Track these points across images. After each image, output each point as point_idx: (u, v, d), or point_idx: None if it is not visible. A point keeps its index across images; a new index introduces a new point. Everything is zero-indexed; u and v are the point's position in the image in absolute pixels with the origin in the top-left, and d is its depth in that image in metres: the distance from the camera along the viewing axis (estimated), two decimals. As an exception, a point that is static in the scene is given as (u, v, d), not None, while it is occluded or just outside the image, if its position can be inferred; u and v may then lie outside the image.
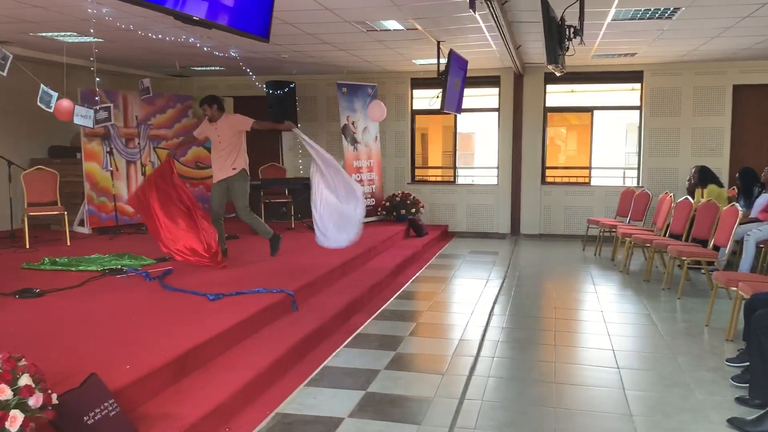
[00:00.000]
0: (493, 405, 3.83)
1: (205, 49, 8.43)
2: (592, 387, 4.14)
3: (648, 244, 7.54)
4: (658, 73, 10.39)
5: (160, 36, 7.47)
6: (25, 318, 4.56)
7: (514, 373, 4.38)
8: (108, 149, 9.18)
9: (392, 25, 7.10)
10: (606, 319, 5.79)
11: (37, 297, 5.15)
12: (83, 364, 3.54)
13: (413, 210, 10.51)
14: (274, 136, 11.68)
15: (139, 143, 9.61)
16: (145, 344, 3.96)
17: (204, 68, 10.63)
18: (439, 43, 8.16)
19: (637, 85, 10.63)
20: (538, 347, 4.96)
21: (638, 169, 10.71)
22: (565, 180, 11.15)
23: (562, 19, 5.59)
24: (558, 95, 11.08)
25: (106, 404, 2.98)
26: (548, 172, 11.10)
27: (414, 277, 7.59)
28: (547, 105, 10.90)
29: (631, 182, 10.93)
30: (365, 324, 5.54)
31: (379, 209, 10.82)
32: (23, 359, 2.75)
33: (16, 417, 2.41)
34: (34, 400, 2.55)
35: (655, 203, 9.87)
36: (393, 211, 10.57)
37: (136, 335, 4.16)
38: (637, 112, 10.68)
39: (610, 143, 13.01)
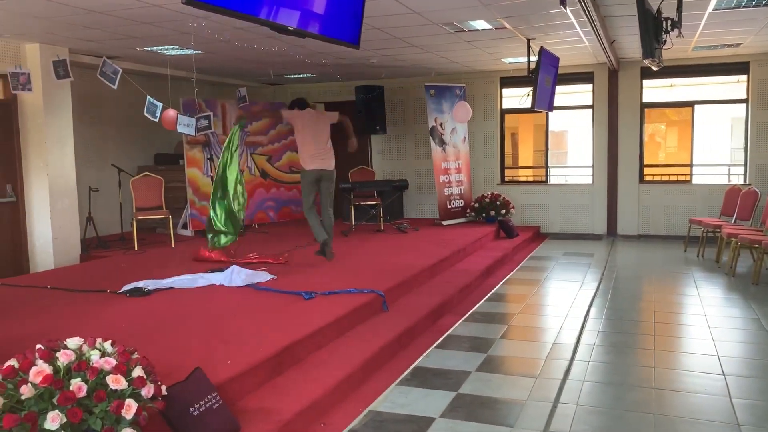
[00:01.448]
0: (589, 409, 3.72)
1: (297, 57, 8.69)
2: (695, 394, 3.94)
3: (756, 245, 7.11)
4: (766, 63, 9.73)
5: (254, 46, 7.77)
6: (135, 315, 4.87)
7: (611, 377, 4.24)
8: (208, 156, 9.62)
9: (480, 24, 7.05)
10: (710, 323, 5.49)
11: (146, 296, 5.48)
12: (188, 359, 3.74)
13: (503, 211, 10.38)
14: (364, 139, 11.86)
15: (237, 150, 9.97)
16: (244, 341, 4.12)
17: (296, 75, 10.96)
18: (529, 40, 8.02)
19: (743, 77, 10.01)
20: (636, 352, 4.78)
21: (745, 165, 10.08)
22: (665, 178, 10.67)
23: (659, 11, 5.36)
24: (656, 90, 10.62)
25: (209, 397, 3.13)
26: (646, 170, 10.66)
27: (505, 279, 7.52)
28: (645, 101, 10.47)
29: (737, 179, 10.30)
30: (455, 325, 5.53)
31: (468, 210, 10.76)
32: (136, 352, 2.95)
33: (131, 406, 2.59)
34: (146, 391, 2.72)
35: (763, 202, 9.26)
36: (482, 212, 10.49)
37: (236, 333, 4.33)
38: (743, 105, 10.06)
39: (713, 139, 12.31)
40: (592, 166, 10.87)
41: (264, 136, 10.58)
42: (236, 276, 5.95)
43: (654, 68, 5.84)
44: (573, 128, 16.22)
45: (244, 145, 10.22)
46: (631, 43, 8.51)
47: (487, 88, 11.24)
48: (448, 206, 10.64)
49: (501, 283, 7.34)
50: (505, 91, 11.36)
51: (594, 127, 10.76)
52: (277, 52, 8.20)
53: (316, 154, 6.67)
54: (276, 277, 6.20)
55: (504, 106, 11.38)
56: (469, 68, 10.66)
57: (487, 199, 10.52)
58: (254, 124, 10.40)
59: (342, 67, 9.86)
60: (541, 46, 8.08)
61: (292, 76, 11.10)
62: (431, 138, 10.42)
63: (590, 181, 10.93)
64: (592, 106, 10.77)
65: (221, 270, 6.30)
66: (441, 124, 10.53)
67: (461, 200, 10.83)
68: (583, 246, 10.03)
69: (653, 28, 5.15)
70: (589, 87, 10.78)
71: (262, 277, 6.12)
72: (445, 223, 10.42)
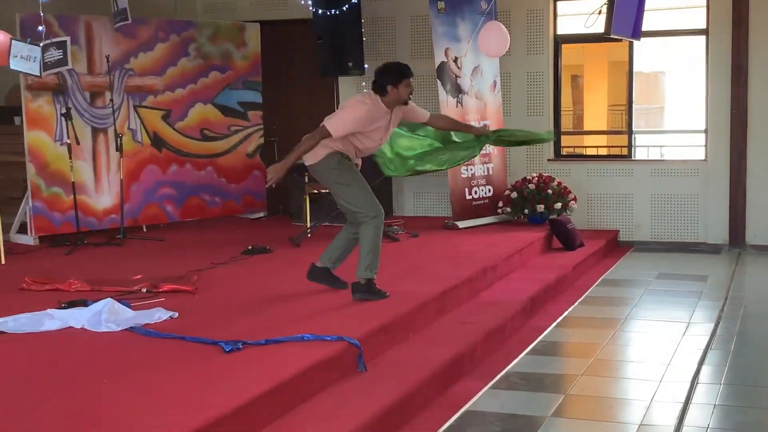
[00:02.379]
0: None
1: None
2: None
3: None
4: None
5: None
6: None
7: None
8: (63, 110, 9.51)
9: None
10: None
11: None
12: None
13: (558, 205, 10.40)
14: (328, 83, 11.80)
15: (112, 100, 9.92)
16: (124, 427, 4.09)
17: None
18: None
19: None
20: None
21: None
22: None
23: None
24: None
25: None
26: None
27: (560, 318, 7.54)
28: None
29: None
30: (478, 395, 5.53)
31: (500, 204, 10.75)
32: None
33: None
34: None
35: None
36: (523, 208, 10.51)
37: (110, 412, 4.30)
38: None
39: None
40: (706, 132, 10.89)
41: (158, 77, 10.51)
42: (110, 313, 5.87)
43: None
44: (674, 69, 16.32)
45: (124, 93, 10.15)
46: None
47: (533, 0, 11.25)
48: (468, 197, 10.64)
49: (554, 324, 7.34)
50: (561, 4, 11.34)
51: (709, 68, 10.78)
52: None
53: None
54: (177, 314, 6.18)
55: (560, 31, 11.37)
56: (503, -34, 10.64)
57: (531, 186, 10.53)
58: (141, 57, 10.33)
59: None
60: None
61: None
62: (439, 83, 10.39)
63: (702, 156, 10.96)
64: (706, 31, 10.80)
65: (85, 304, 6.23)
66: (456, 60, 10.51)
67: (489, 187, 10.81)
68: (689, 263, 10.02)
69: None
70: (702, 1, 10.80)
71: (155, 315, 6.08)
72: (462, 224, 10.42)
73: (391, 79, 6.68)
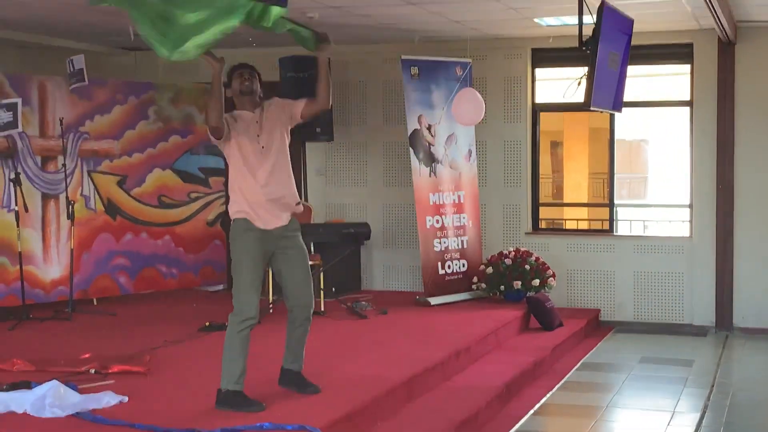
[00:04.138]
0: None
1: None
2: None
3: None
4: None
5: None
6: None
7: None
8: (12, 175, 9.47)
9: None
10: None
11: None
12: None
13: (536, 282, 10.41)
14: (294, 149, 11.81)
15: (64, 165, 9.86)
16: None
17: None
18: (582, -11, 8.17)
19: None
20: None
21: None
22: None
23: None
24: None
25: None
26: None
27: (538, 406, 7.50)
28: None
29: None
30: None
31: (475, 280, 10.76)
32: None
33: None
34: None
35: None
36: (499, 284, 10.51)
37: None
38: None
39: None
40: (691, 207, 10.98)
41: (115, 140, 10.49)
42: (55, 398, 5.78)
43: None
44: (657, 137, 16.51)
45: (78, 157, 10.11)
46: (757, -2, 8.75)
47: (510, 67, 11.36)
48: (441, 272, 10.62)
49: (531, 412, 7.29)
50: (540, 72, 11.47)
51: (694, 140, 10.91)
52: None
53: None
54: (127, 398, 6.11)
55: (538, 99, 11.50)
56: (479, 33, 10.75)
57: (508, 261, 10.54)
58: (98, 119, 10.32)
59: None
60: (603, 1, 8.20)
61: (169, 37, 11.07)
62: (412, 151, 10.44)
63: (687, 233, 11.03)
64: (690, 102, 10.95)
65: (29, 386, 6.14)
66: (430, 128, 10.58)
67: (463, 261, 10.81)
68: (674, 347, 10.03)
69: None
70: (686, 69, 10.97)
71: (103, 399, 5.99)
72: (434, 301, 10.39)
73: (234, 70, 6.51)
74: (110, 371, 6.85)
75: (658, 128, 15.54)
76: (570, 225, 12.71)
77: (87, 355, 7.27)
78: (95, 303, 10.26)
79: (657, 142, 17.01)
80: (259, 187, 6.10)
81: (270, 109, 6.38)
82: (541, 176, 11.87)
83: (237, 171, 6.20)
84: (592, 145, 15.76)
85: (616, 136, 11.46)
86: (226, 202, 10.95)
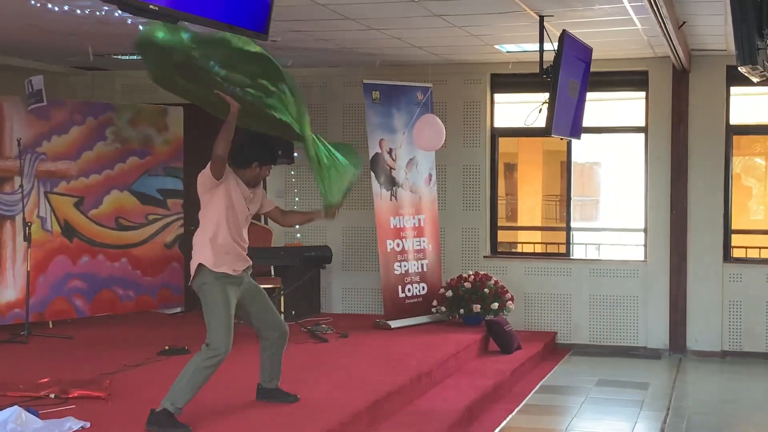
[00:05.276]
0: None
1: (140, 27, 8.65)
2: None
3: None
4: None
5: (66, 8, 7.69)
6: None
7: None
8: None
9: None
10: None
11: None
12: None
13: (495, 305, 10.46)
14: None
15: (21, 186, 9.78)
16: None
17: (132, 57, 10.87)
18: (542, 18, 8.25)
19: None
20: None
21: None
22: (769, 254, 11.05)
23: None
24: (754, 103, 11.04)
25: None
26: (736, 240, 11.00)
27: (498, 429, 7.53)
28: (734, 122, 10.91)
29: None
30: None
31: (435, 303, 10.79)
32: None
33: None
34: None
35: None
36: (459, 307, 10.54)
37: None
38: None
39: None
40: (645, 231, 11.13)
41: (73, 161, 10.40)
42: (17, 423, 5.75)
43: (755, 80, 6.09)
44: (610, 159, 16.67)
45: (35, 178, 10.02)
46: (711, 28, 8.85)
47: (470, 92, 11.47)
48: (401, 295, 10.65)
49: (492, 436, 7.34)
50: (498, 96, 11.59)
51: (648, 165, 11.07)
52: (102, 17, 8.16)
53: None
54: (89, 424, 6.08)
55: (497, 124, 11.60)
56: (440, 58, 10.84)
57: (467, 284, 10.58)
58: (55, 140, 10.23)
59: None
60: (564, 30, 8.31)
61: (126, 58, 11.05)
62: (373, 175, 10.47)
63: (641, 257, 11.17)
64: (645, 129, 11.11)
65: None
66: (391, 152, 10.63)
67: (423, 284, 10.84)
68: (629, 369, 10.14)
69: (755, 18, 5.37)
70: (641, 95, 11.16)
71: (65, 425, 5.97)
72: (394, 324, 10.40)
73: (264, 156, 6.67)
74: (70, 396, 6.82)
75: (611, 151, 15.68)
76: (527, 248, 12.78)
77: (45, 380, 7.20)
78: (51, 326, 10.14)
79: (609, 165, 17.14)
80: (234, 239, 6.49)
81: (257, 192, 6.75)
82: (498, 200, 11.95)
83: (217, 215, 6.49)
84: (546, 167, 15.92)
85: (573, 159, 11.59)
86: (185, 224, 11.06)
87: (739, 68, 5.49)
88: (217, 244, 6.41)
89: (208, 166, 6.43)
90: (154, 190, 11.05)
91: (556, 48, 8.30)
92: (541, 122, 8.59)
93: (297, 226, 7.45)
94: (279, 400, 6.83)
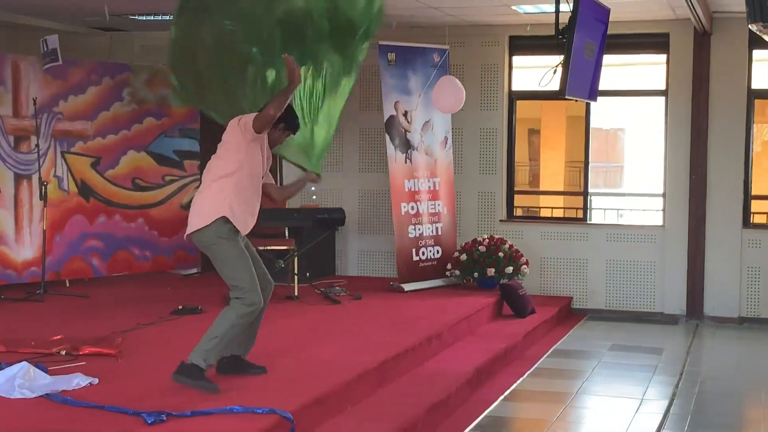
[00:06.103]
0: None
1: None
2: None
3: None
4: None
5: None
6: None
7: None
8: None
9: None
10: None
11: None
12: None
13: (509, 269, 10.47)
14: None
15: (38, 145, 9.85)
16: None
17: (150, 17, 10.87)
18: (559, -23, 8.20)
19: None
20: None
21: None
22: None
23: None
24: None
25: None
26: (756, 206, 10.95)
27: (508, 392, 7.55)
28: (755, 86, 10.79)
29: None
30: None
31: (449, 267, 10.81)
32: None
33: None
34: None
35: None
36: (473, 271, 10.57)
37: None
38: None
39: None
40: (664, 196, 11.09)
41: (89, 121, 10.45)
42: (25, 379, 5.77)
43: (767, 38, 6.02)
44: (632, 126, 16.58)
45: (51, 138, 10.07)
46: (733, -11, 8.81)
47: (487, 55, 11.40)
48: (415, 258, 10.67)
49: (501, 398, 7.34)
50: (517, 59, 11.52)
51: (668, 128, 11.00)
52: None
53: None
54: (97, 380, 6.09)
55: (515, 87, 11.54)
56: (457, 19, 10.77)
57: (482, 248, 10.59)
58: (72, 100, 10.27)
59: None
60: (581, -11, 8.26)
61: (143, 18, 11.02)
62: (388, 138, 10.47)
63: (660, 222, 11.14)
64: (665, 92, 11.02)
65: (-2, 366, 6.16)
66: (406, 114, 10.61)
67: (437, 248, 10.87)
68: (645, 335, 10.13)
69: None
70: (662, 58, 11.05)
71: (73, 381, 5.98)
72: (407, 287, 10.45)
73: (290, 123, 6.58)
74: (81, 353, 6.85)
75: (635, 117, 15.60)
76: (545, 213, 12.77)
77: (58, 337, 7.24)
78: (68, 285, 10.24)
79: (633, 132, 17.06)
80: (254, 194, 6.39)
81: (270, 156, 6.63)
82: (517, 164, 11.93)
83: (247, 168, 6.30)
84: (569, 133, 15.81)
85: (593, 125, 11.53)
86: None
87: (749, 26, 5.40)
88: (241, 197, 6.24)
89: (251, 117, 6.23)
90: (170, 151, 11.10)
91: (571, 7, 8.21)
92: (556, 84, 8.53)
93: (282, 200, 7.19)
94: (243, 372, 6.46)
